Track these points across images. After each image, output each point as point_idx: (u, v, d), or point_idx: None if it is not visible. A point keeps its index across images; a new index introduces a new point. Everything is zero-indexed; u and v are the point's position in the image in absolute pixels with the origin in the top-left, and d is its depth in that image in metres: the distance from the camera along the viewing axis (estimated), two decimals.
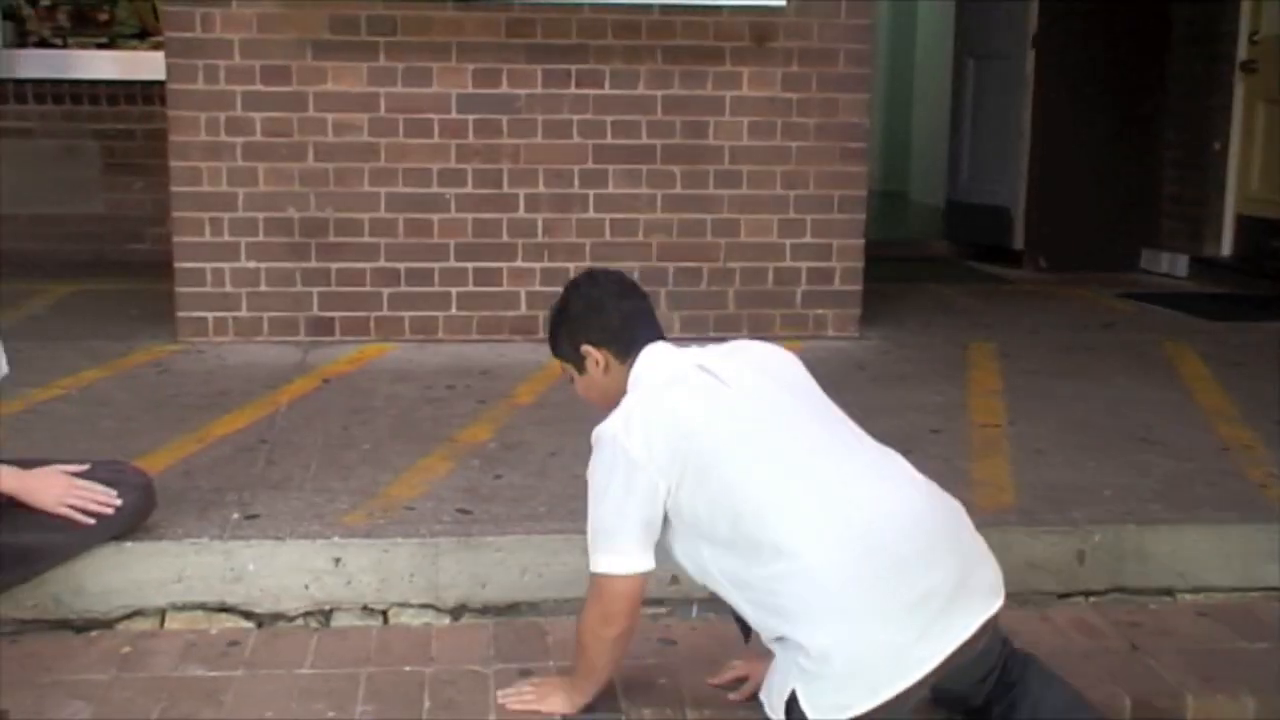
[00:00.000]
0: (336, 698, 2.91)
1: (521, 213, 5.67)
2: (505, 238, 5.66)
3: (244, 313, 5.53)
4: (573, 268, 5.67)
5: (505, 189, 5.65)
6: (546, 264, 5.69)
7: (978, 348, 5.76)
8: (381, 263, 5.60)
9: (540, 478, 3.81)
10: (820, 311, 5.86)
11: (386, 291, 5.60)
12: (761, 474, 2.53)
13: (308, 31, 5.45)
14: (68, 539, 3.17)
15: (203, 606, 3.29)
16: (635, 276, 5.37)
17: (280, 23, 5.44)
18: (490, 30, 5.54)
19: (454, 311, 5.66)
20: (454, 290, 5.65)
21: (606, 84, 5.64)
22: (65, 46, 8.79)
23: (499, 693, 2.94)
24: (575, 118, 5.65)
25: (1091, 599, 3.51)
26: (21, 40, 8.38)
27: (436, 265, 5.63)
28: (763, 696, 2.59)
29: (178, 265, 5.51)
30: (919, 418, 4.53)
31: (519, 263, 5.68)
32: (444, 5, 5.48)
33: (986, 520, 3.48)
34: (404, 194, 5.59)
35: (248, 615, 3.30)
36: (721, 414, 2.60)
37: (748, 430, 2.58)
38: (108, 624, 3.25)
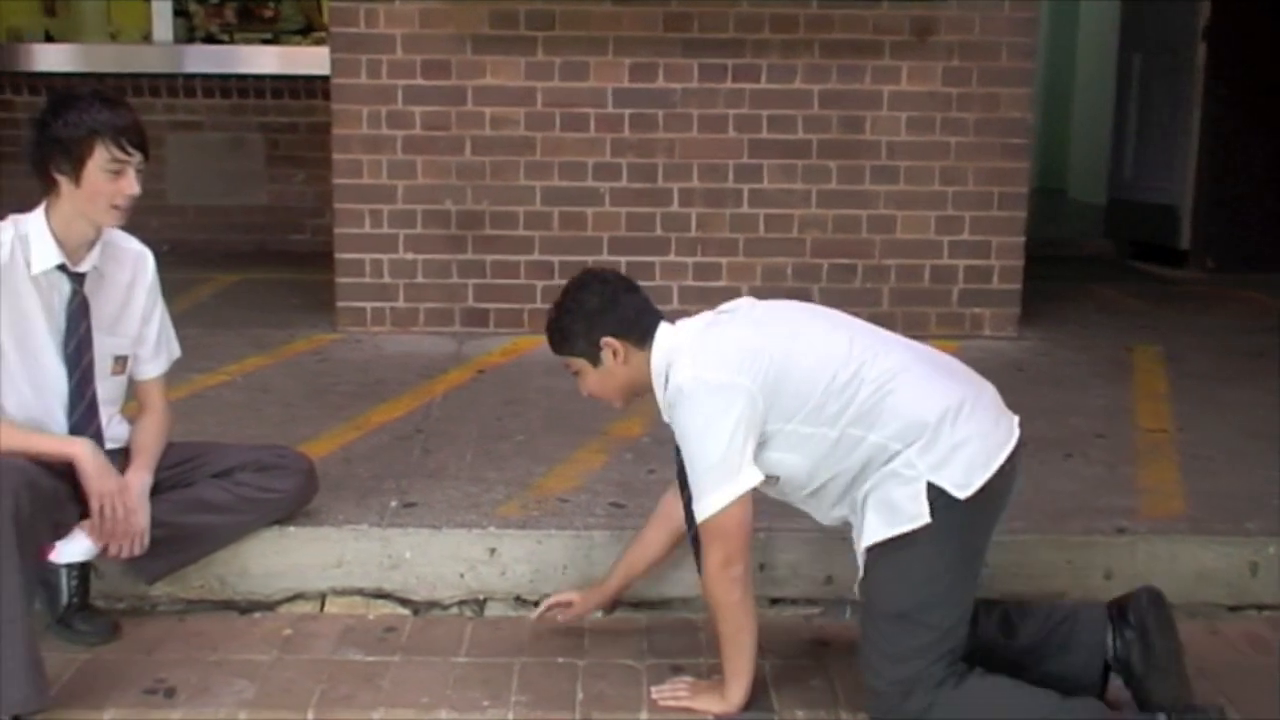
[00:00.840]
0: (491, 686, 2.95)
1: (675, 207, 5.66)
2: (659, 232, 5.66)
3: (401, 303, 5.60)
4: (726, 262, 5.68)
5: (659, 183, 5.65)
6: (699, 259, 5.67)
7: (1142, 350, 5.58)
8: (535, 256, 5.64)
9: None
10: (977, 310, 5.74)
11: (540, 284, 5.63)
12: (831, 341, 2.80)
13: (468, 27, 5.50)
14: (234, 520, 3.26)
15: (360, 592, 3.36)
16: (788, 272, 5.59)
17: (441, 18, 5.50)
18: (647, 25, 5.55)
19: None
20: None
21: (763, 78, 5.60)
22: (232, 42, 9.07)
23: (653, 689, 2.95)
24: (731, 112, 5.62)
25: (1265, 612, 3.38)
26: (191, 36, 8.67)
27: (589, 259, 5.59)
28: (860, 534, 2.77)
29: (338, 256, 5.62)
30: (1081, 421, 4.41)
31: (672, 257, 5.67)
32: (602, 0, 5.51)
33: (1154, 528, 3.46)
34: (559, 188, 5.62)
35: (404, 602, 3.36)
36: (767, 323, 2.83)
37: (795, 323, 2.85)
38: (269, 606, 3.34)
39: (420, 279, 5.62)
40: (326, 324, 5.64)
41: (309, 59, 8.04)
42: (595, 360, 2.89)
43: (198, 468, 3.25)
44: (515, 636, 3.21)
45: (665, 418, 2.87)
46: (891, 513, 2.73)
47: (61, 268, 3.08)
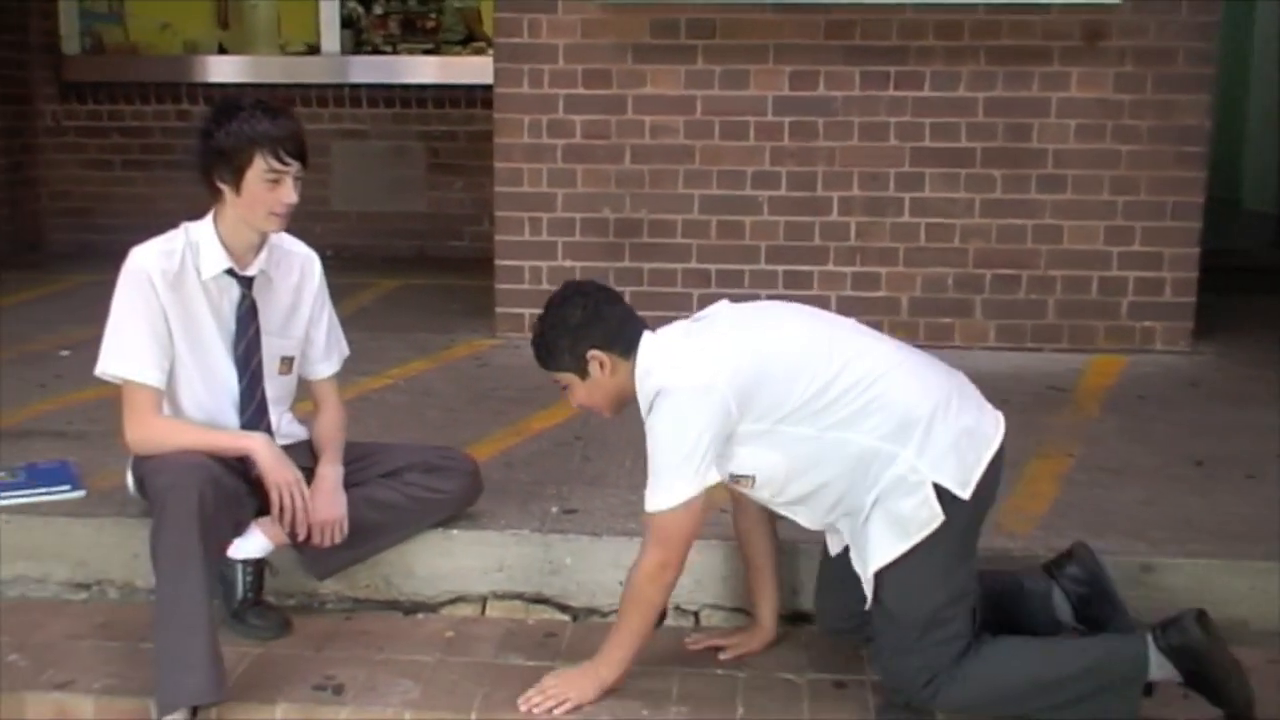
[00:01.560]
0: (652, 697, 2.94)
1: (835, 216, 5.62)
2: (817, 241, 5.63)
3: None
4: (885, 272, 5.62)
5: (819, 192, 5.61)
6: (858, 268, 5.63)
7: None
8: (693, 264, 5.65)
9: None
10: (1148, 324, 5.57)
11: (697, 292, 5.62)
12: (810, 340, 2.84)
13: (629, 35, 5.55)
14: (402, 520, 3.31)
15: (520, 596, 3.38)
16: (949, 283, 5.50)
17: (603, 27, 5.56)
18: (808, 32, 5.52)
19: None
20: (763, 293, 5.61)
21: (926, 86, 5.53)
22: (395, 53, 9.27)
23: (519, 699, 2.92)
24: (893, 120, 5.56)
25: None
26: (357, 48, 8.89)
27: (747, 268, 5.64)
28: (865, 555, 2.78)
29: (498, 263, 5.70)
30: (1262, 441, 4.22)
31: (830, 266, 5.63)
32: (763, 8, 5.50)
33: None
34: (717, 196, 5.63)
35: (563, 608, 3.37)
36: (744, 325, 2.87)
37: (773, 324, 2.89)
38: (433, 608, 3.38)
39: None
40: (486, 329, 5.72)
41: (469, 69, 8.23)
42: (583, 374, 2.92)
43: (368, 467, 3.32)
44: (674, 646, 3.18)
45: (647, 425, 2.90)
46: (901, 526, 2.76)
47: (230, 272, 3.16)
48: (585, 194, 5.66)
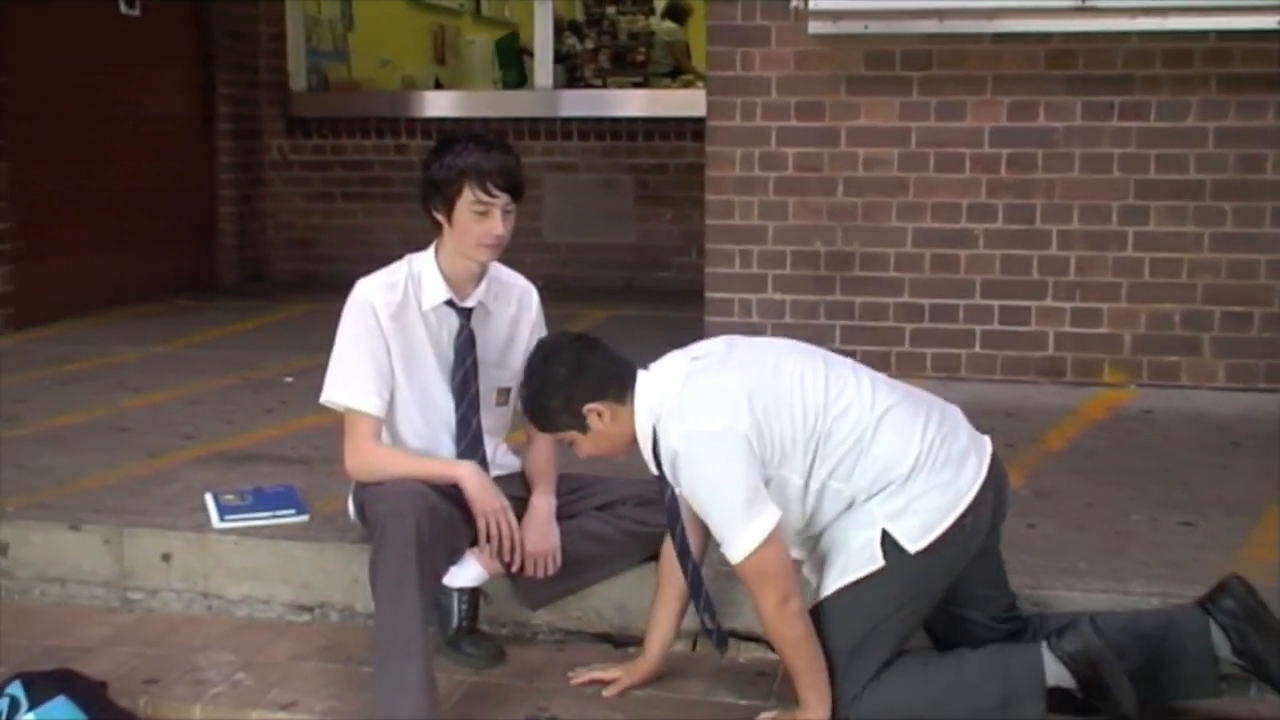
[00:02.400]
0: None
1: (1053, 250, 5.47)
2: (1035, 275, 5.49)
3: None
4: (1107, 308, 5.45)
5: (1037, 225, 5.47)
6: (1078, 304, 5.46)
7: None
8: (905, 298, 5.57)
9: (1078, 530, 3.62)
10: None
11: (909, 327, 5.56)
12: (809, 385, 2.82)
13: (843, 67, 5.51)
14: (614, 552, 3.31)
15: (733, 634, 3.29)
16: (1175, 320, 5.29)
17: (817, 60, 5.53)
18: (1028, 62, 5.40)
19: (977, 350, 5.54)
20: (978, 328, 5.54)
21: (1152, 115, 5.35)
22: (605, 86, 9.43)
23: None
24: (1116, 151, 5.39)
25: None
26: (570, 82, 9.06)
27: (961, 302, 5.54)
28: (825, 593, 2.83)
29: (708, 295, 5.71)
30: None
31: (1048, 302, 5.48)
32: (981, 39, 5.39)
33: None
34: (931, 229, 5.54)
35: (773, 647, 3.29)
36: (746, 367, 2.84)
37: (772, 366, 2.84)
38: (642, 642, 3.26)
39: (788, 319, 5.63)
40: None
41: (677, 101, 8.32)
42: (583, 429, 2.89)
43: (581, 499, 3.34)
44: (558, 684, 3.12)
45: (653, 470, 2.89)
46: (846, 557, 2.83)
47: (449, 303, 3.21)
48: (796, 227, 5.62)
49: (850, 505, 2.84)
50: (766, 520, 2.72)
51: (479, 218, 3.07)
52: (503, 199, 3.08)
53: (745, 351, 2.93)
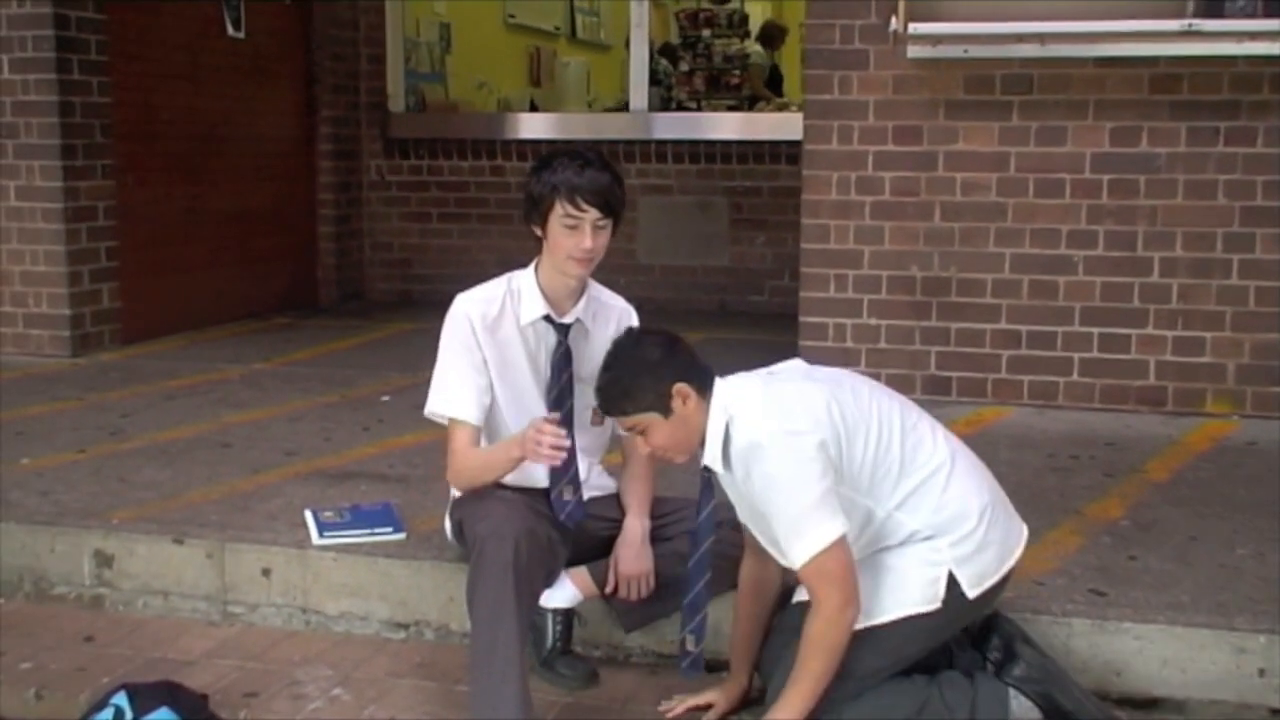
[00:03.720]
0: None
1: (1155, 277, 5.38)
2: (1135, 303, 5.40)
3: (863, 368, 5.54)
4: (1210, 337, 5.34)
5: (1139, 252, 5.38)
6: (1180, 332, 5.36)
7: None
8: (1002, 325, 5.51)
9: (1181, 563, 3.56)
10: None
11: (1006, 354, 5.50)
12: (886, 411, 2.87)
13: (942, 91, 5.48)
14: (699, 578, 3.21)
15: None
16: None
17: (916, 84, 5.51)
18: (1132, 87, 5.32)
19: (1076, 378, 5.47)
20: (1077, 356, 5.46)
21: (1259, 141, 5.24)
22: (700, 109, 9.46)
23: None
24: (1221, 178, 5.29)
25: None
26: (665, 105, 9.10)
27: (1060, 329, 5.46)
28: (876, 621, 2.81)
29: (802, 319, 5.69)
30: None
31: (1149, 330, 5.39)
32: (1084, 63, 5.33)
33: None
34: (1030, 255, 5.47)
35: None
36: (828, 383, 2.88)
37: (852, 390, 2.88)
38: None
39: (883, 344, 5.61)
40: None
41: (772, 124, 8.30)
42: (666, 410, 2.85)
43: (676, 523, 3.32)
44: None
45: (715, 467, 2.87)
46: (905, 590, 2.84)
47: (547, 319, 3.22)
48: (892, 251, 5.59)
49: (909, 538, 2.86)
50: (835, 527, 2.72)
51: (569, 231, 3.10)
52: (592, 214, 3.10)
53: (824, 372, 2.98)
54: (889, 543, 2.87)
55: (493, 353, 3.19)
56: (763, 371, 2.97)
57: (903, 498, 2.83)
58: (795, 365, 3.02)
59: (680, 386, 2.84)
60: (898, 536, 2.86)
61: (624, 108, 8.72)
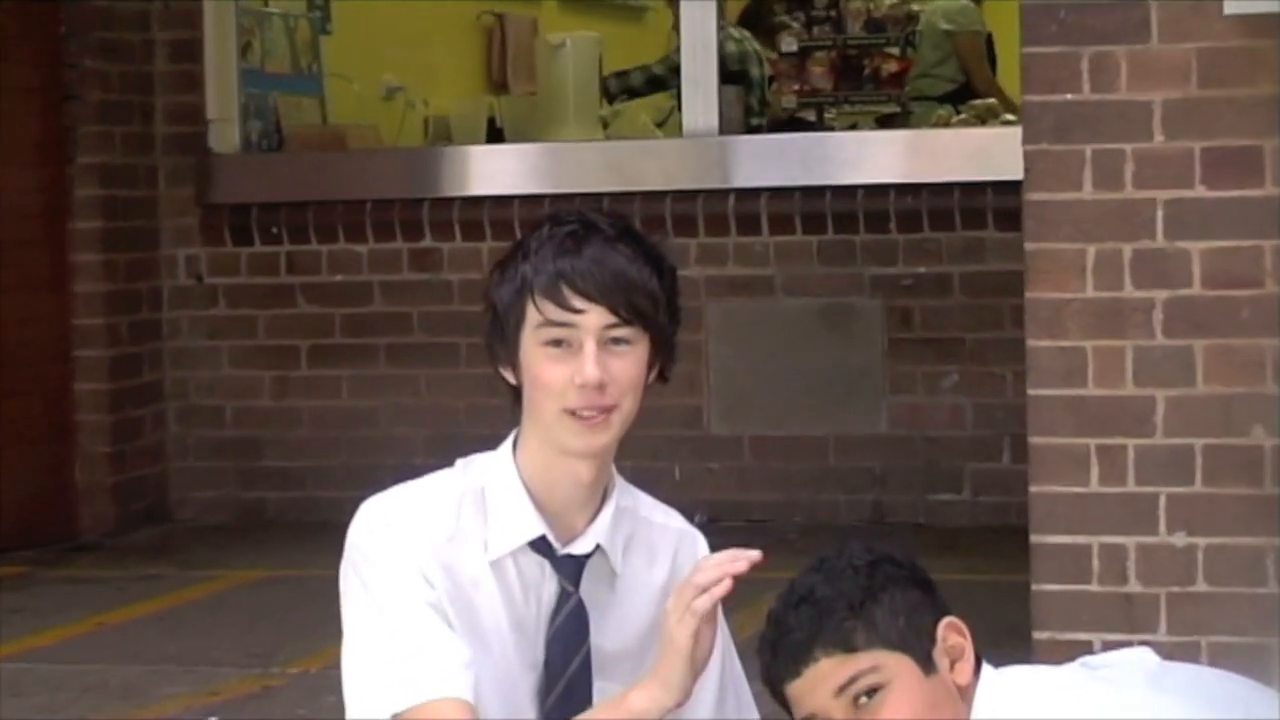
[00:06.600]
0: None
1: None
2: None
3: (1164, 635, 4.67)
4: None
5: None
6: None
7: None
8: None
9: None
10: None
11: None
12: None
13: None
14: None
15: None
16: None
17: (1244, 66, 4.47)
18: None
19: None
20: None
21: None
22: (821, 125, 8.80)
23: None
24: None
25: None
26: (750, 120, 8.09)
27: None
28: None
29: (1035, 539, 4.82)
30: None
31: None
32: None
33: None
34: None
35: None
36: (1199, 692, 2.75)
37: (1247, 700, 2.71)
38: None
39: (1212, 584, 4.68)
40: None
41: (969, 152, 7.04)
42: (925, 662, 2.52)
43: None
44: None
45: None
46: None
47: (541, 545, 2.80)
48: (1212, 398, 4.73)
49: None
50: None
51: (556, 355, 2.61)
52: (593, 313, 2.56)
53: (1183, 676, 2.77)
54: None
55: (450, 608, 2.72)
56: (1071, 665, 2.77)
57: None
58: (1136, 658, 2.77)
59: (953, 621, 2.59)
60: None
61: (674, 128, 6.74)
